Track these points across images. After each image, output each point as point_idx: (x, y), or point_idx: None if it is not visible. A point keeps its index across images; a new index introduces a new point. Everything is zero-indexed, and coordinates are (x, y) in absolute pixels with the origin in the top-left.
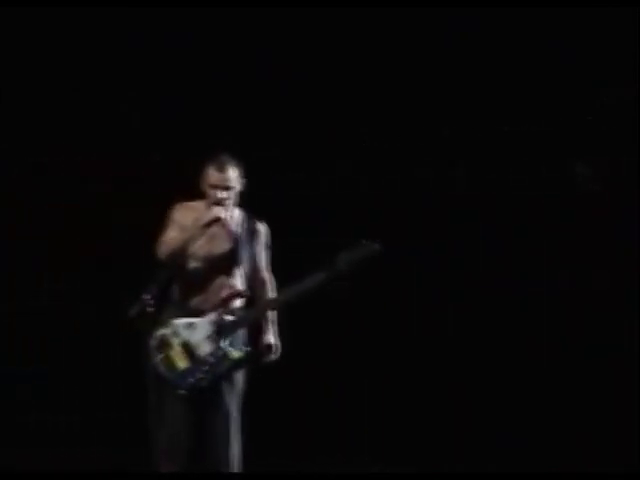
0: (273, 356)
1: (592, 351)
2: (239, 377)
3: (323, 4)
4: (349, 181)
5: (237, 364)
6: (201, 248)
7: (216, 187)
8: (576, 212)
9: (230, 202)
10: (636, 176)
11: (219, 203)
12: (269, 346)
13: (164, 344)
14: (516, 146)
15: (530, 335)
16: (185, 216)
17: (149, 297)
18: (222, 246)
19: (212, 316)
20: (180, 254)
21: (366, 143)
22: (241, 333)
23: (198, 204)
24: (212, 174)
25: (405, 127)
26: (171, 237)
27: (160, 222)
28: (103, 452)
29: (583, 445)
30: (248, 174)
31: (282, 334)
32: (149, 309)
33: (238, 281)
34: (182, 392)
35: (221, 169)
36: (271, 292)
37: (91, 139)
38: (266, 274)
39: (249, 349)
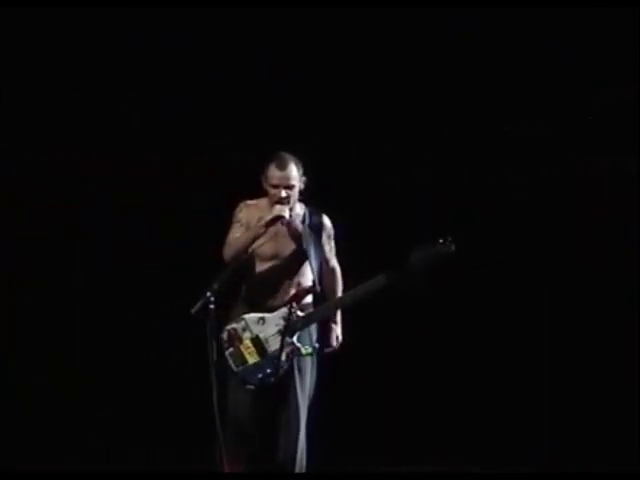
0: (332, 348)
1: (592, 351)
2: (309, 373)
3: (323, 4)
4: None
5: (302, 358)
6: (267, 247)
7: (278, 186)
8: (576, 212)
9: (293, 200)
10: (636, 176)
11: (281, 202)
12: (337, 338)
13: (234, 338)
14: (516, 146)
15: (530, 335)
16: (249, 215)
17: (211, 295)
18: (288, 244)
19: (282, 312)
20: (245, 254)
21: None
22: (310, 329)
23: (262, 202)
24: (273, 173)
25: (404, 127)
26: (236, 238)
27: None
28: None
29: (583, 445)
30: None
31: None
32: (211, 307)
33: (307, 277)
34: (250, 387)
35: (282, 167)
36: (340, 283)
37: (90, 139)
38: (334, 266)
39: (318, 345)
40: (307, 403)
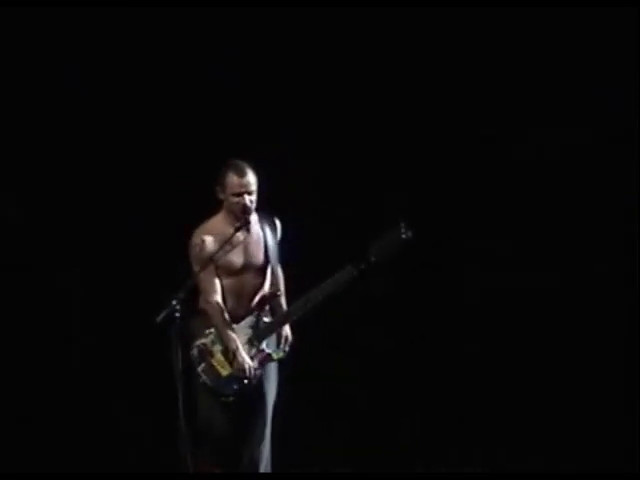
0: (286, 348)
1: (592, 350)
2: (274, 379)
3: (322, 4)
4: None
5: (273, 364)
6: (236, 259)
7: (240, 194)
8: (576, 212)
9: (254, 206)
10: (636, 176)
11: (246, 210)
12: (287, 339)
13: (205, 353)
14: (516, 146)
15: (530, 334)
16: (214, 246)
17: (177, 303)
18: (256, 253)
19: (249, 320)
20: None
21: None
22: (278, 334)
23: (216, 222)
24: (233, 181)
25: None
26: (214, 281)
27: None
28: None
29: (583, 445)
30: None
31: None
32: (176, 315)
33: (268, 282)
34: (228, 399)
35: (242, 174)
36: (283, 284)
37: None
38: (279, 268)
39: (287, 349)
40: (272, 408)
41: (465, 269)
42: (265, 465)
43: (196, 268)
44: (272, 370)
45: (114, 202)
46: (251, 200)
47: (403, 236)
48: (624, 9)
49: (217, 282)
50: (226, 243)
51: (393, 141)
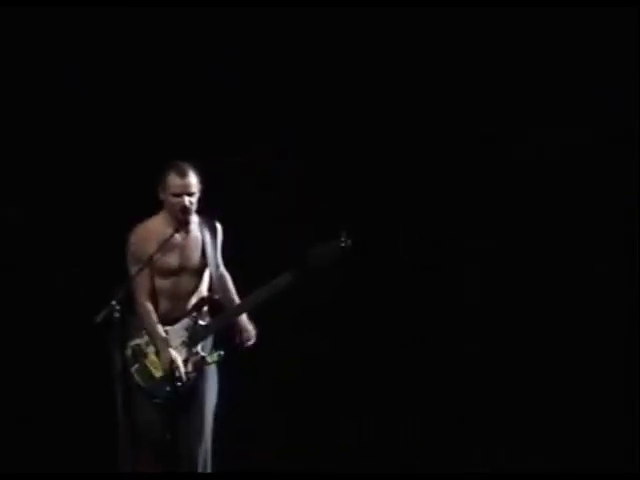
0: (252, 340)
1: (592, 350)
2: (213, 380)
3: (322, 4)
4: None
5: (208, 367)
6: (172, 260)
7: (180, 194)
8: (576, 212)
9: (194, 208)
10: (636, 176)
11: (185, 211)
12: (246, 329)
13: (139, 354)
14: (516, 146)
15: (530, 334)
16: (145, 248)
17: (116, 303)
18: (193, 256)
19: (184, 323)
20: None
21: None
22: (211, 337)
23: (155, 221)
24: (174, 181)
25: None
26: (145, 281)
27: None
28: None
29: (583, 445)
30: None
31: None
32: (116, 315)
33: (205, 284)
34: (159, 401)
35: (183, 175)
36: (232, 286)
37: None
38: (224, 271)
39: (222, 352)
40: (211, 409)
41: (465, 269)
42: (204, 465)
43: (131, 267)
44: (210, 371)
45: (114, 202)
46: (191, 201)
47: (342, 245)
48: (624, 9)
49: (148, 282)
50: (164, 244)
51: (393, 141)
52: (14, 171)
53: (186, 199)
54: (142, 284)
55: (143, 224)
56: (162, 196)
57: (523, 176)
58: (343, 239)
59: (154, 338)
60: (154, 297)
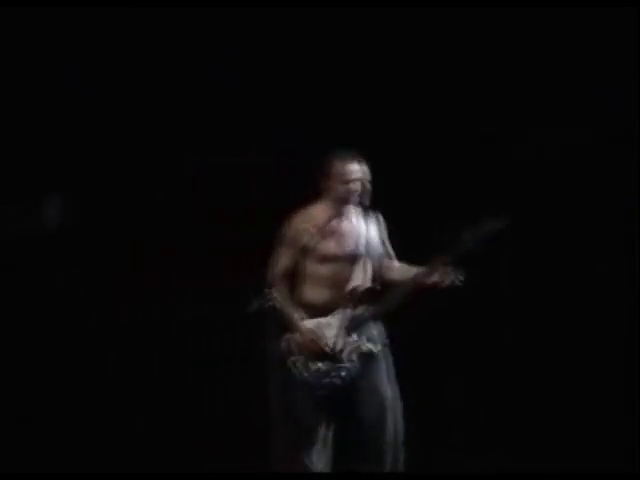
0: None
1: (592, 350)
2: (392, 371)
3: (322, 4)
4: None
5: (373, 357)
6: (328, 247)
7: (352, 181)
8: (576, 212)
9: (357, 196)
10: (636, 176)
11: (351, 196)
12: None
13: (295, 346)
14: (516, 146)
15: (530, 334)
16: (305, 234)
17: (269, 292)
18: (349, 243)
19: (341, 313)
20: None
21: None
22: (377, 326)
23: (316, 210)
24: (352, 167)
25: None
26: (288, 266)
27: None
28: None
29: (583, 445)
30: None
31: None
32: (269, 304)
33: (366, 275)
34: (320, 393)
35: (360, 161)
36: (403, 275)
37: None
38: (394, 262)
39: (386, 342)
40: (394, 400)
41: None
42: (393, 464)
43: (280, 250)
44: (382, 362)
45: (114, 202)
46: (356, 189)
47: (494, 225)
48: (624, 9)
49: (290, 269)
50: (321, 229)
51: (393, 141)
52: (14, 171)
53: (353, 186)
54: (283, 268)
55: (303, 210)
56: (330, 183)
57: (523, 176)
58: (495, 220)
59: (289, 320)
60: (310, 284)
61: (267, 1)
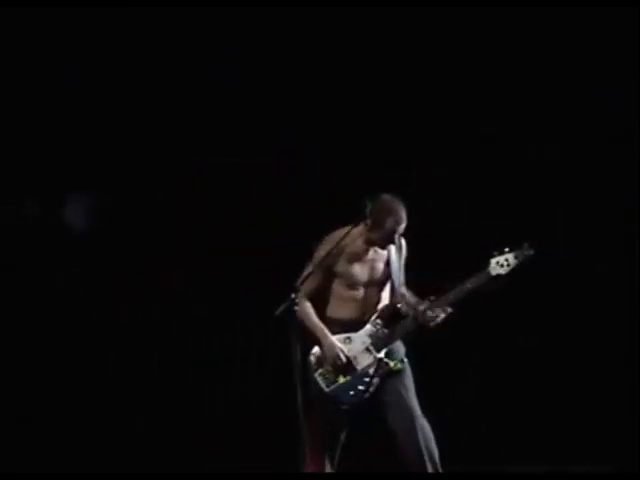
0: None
1: (592, 350)
2: (410, 380)
3: (322, 4)
4: None
5: (398, 372)
6: (364, 273)
7: (396, 232)
8: (576, 212)
9: None
10: (636, 176)
11: (391, 243)
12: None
13: (322, 360)
14: (516, 146)
15: (530, 334)
16: (336, 255)
17: (295, 297)
18: (380, 269)
19: (368, 329)
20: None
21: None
22: (398, 345)
23: (352, 235)
24: (397, 225)
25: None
26: (316, 284)
27: None
28: None
29: (583, 445)
30: None
31: None
32: (295, 309)
33: (387, 294)
34: (345, 407)
35: (402, 221)
36: (408, 304)
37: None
38: (403, 288)
39: (406, 360)
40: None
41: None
42: (433, 464)
43: (312, 264)
44: (404, 374)
45: (113, 202)
46: (396, 240)
47: (526, 253)
48: (624, 9)
49: (317, 285)
50: (354, 257)
51: (393, 141)
52: (14, 171)
53: (395, 238)
54: (312, 288)
55: (341, 231)
56: (376, 220)
57: (523, 176)
58: (526, 248)
59: (317, 334)
60: (340, 304)
61: (267, 1)
